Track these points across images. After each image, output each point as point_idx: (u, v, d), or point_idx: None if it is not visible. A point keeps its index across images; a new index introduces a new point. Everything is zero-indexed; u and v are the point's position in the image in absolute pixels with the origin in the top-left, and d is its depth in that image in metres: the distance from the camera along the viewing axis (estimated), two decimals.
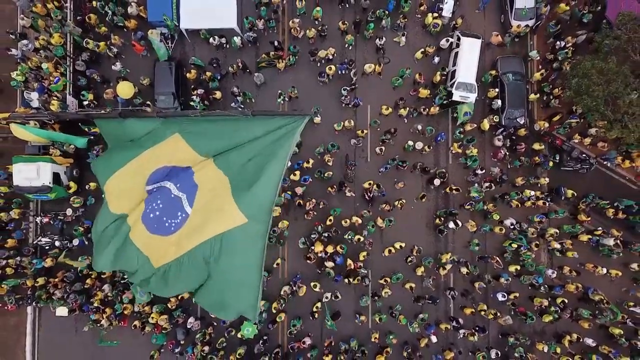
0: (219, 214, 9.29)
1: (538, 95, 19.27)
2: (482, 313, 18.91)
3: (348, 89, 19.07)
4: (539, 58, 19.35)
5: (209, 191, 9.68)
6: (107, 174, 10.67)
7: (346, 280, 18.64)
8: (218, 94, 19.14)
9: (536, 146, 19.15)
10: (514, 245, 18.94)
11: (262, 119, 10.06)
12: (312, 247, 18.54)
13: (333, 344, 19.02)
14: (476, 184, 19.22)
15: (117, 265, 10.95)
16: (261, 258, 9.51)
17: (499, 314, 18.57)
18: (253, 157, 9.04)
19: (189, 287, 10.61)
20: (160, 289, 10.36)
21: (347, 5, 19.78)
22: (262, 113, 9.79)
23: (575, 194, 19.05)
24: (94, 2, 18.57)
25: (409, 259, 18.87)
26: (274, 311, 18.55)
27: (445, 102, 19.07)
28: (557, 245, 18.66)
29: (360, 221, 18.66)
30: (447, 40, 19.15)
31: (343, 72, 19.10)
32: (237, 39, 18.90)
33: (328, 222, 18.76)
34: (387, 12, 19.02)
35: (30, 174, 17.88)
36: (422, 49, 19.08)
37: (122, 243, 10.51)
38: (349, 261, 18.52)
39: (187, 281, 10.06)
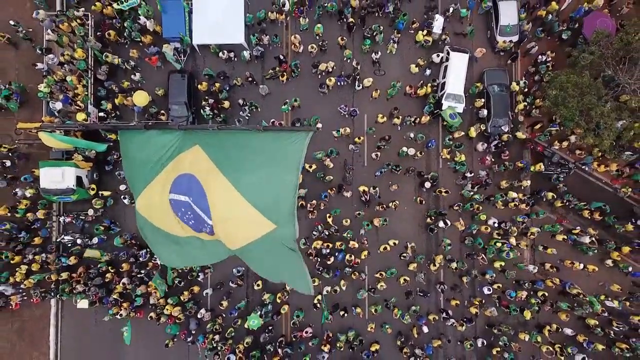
0: (248, 225, 10.50)
1: (523, 105, 20.88)
2: (471, 309, 20.60)
3: (357, 82, 20.82)
4: (525, 88, 20.95)
5: (222, 205, 10.46)
6: (140, 187, 11.38)
7: (342, 282, 20.35)
8: (226, 104, 20.82)
9: (519, 134, 20.78)
10: (498, 245, 20.62)
11: (272, 133, 11.57)
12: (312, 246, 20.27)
13: (332, 335, 20.70)
14: (466, 187, 20.88)
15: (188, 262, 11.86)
16: (297, 252, 10.23)
17: (484, 302, 20.40)
18: (265, 173, 10.44)
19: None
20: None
21: (346, 21, 21.40)
22: (272, 128, 11.37)
23: (555, 196, 20.74)
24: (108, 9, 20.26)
25: (403, 255, 20.55)
26: (278, 301, 20.27)
27: (434, 110, 20.80)
28: (513, 242, 20.29)
29: (357, 245, 20.40)
30: (438, 55, 20.82)
31: (342, 83, 20.81)
32: (246, 53, 20.59)
33: (328, 222, 20.43)
34: (381, 27, 20.70)
35: (56, 178, 19.50)
36: (416, 64, 20.80)
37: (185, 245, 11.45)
38: (349, 256, 20.19)
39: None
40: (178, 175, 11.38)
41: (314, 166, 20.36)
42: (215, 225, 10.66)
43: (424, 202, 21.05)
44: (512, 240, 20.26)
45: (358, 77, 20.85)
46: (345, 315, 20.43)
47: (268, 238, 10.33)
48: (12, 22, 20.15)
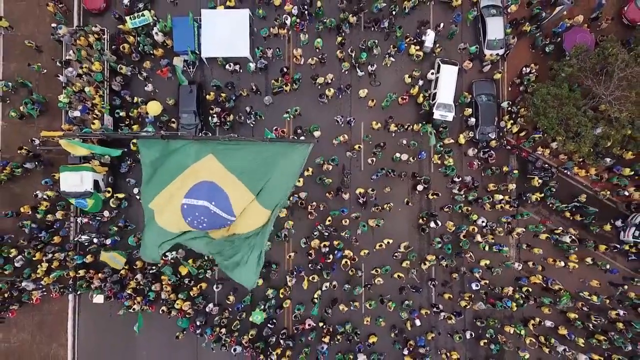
0: (253, 218, 12.15)
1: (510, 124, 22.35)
2: (461, 302, 22.11)
3: (358, 69, 22.44)
4: (509, 108, 22.52)
5: (239, 203, 12.10)
6: (153, 194, 11.97)
7: (343, 262, 21.81)
8: (231, 117, 22.31)
9: (514, 128, 22.20)
10: (487, 249, 22.16)
11: (277, 144, 13.16)
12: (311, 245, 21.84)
13: (332, 328, 22.22)
14: (454, 190, 22.42)
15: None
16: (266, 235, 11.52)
17: (472, 296, 22.05)
18: (271, 176, 11.90)
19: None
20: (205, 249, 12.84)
21: (343, 34, 22.89)
22: (276, 140, 12.91)
23: (539, 198, 22.28)
24: (131, 38, 22.11)
25: (396, 254, 22.08)
26: (281, 296, 21.84)
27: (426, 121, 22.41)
28: (479, 239, 21.90)
29: (351, 253, 21.95)
30: (433, 73, 22.41)
31: (340, 96, 22.40)
32: (251, 65, 22.16)
33: (327, 222, 22.00)
34: (377, 41, 22.25)
35: (75, 181, 21.02)
36: (409, 74, 22.33)
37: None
38: (345, 261, 21.79)
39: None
40: (196, 182, 12.86)
41: (312, 170, 21.89)
42: (236, 220, 11.93)
43: (410, 203, 22.57)
44: (478, 237, 21.88)
45: (358, 65, 22.37)
46: (324, 324, 22.04)
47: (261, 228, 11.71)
48: (53, 25, 21.70)
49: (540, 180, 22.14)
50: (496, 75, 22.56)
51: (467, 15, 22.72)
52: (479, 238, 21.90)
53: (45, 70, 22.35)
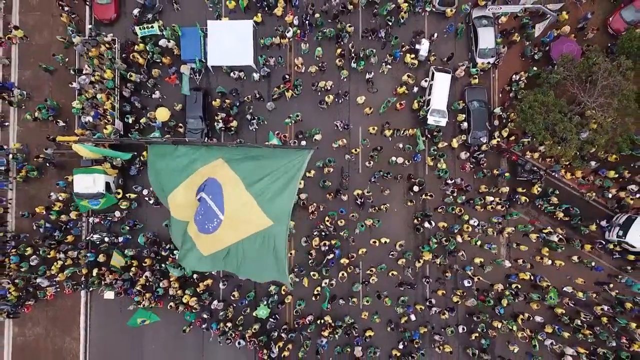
0: (248, 221, 12.66)
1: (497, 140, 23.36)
2: (454, 298, 23.30)
3: (354, 62, 23.57)
4: (501, 114, 23.63)
5: (235, 202, 12.52)
6: (167, 192, 13.47)
7: (341, 274, 22.99)
8: (234, 123, 23.43)
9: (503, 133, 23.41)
10: (479, 243, 23.33)
11: (281, 150, 14.32)
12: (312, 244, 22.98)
13: (333, 324, 23.39)
14: (448, 191, 23.58)
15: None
16: (285, 247, 12.51)
17: (465, 293, 23.17)
18: (273, 180, 13.02)
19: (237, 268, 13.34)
20: (212, 267, 13.90)
21: (342, 43, 24.03)
22: (280, 147, 14.04)
23: (528, 200, 23.44)
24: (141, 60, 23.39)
25: (392, 253, 23.24)
26: (283, 293, 23.02)
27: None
28: (459, 239, 23.09)
29: (348, 261, 23.13)
30: (426, 81, 23.60)
31: (339, 101, 23.59)
32: (255, 75, 23.33)
33: (326, 222, 23.15)
34: (374, 51, 23.41)
35: (88, 183, 22.15)
36: (408, 74, 23.42)
37: (190, 242, 13.56)
38: (344, 259, 23.06)
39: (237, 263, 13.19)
40: (205, 179, 14.07)
41: (313, 172, 23.04)
42: (225, 220, 12.94)
43: (410, 203, 23.73)
44: (458, 238, 23.08)
45: (354, 58, 23.53)
46: (345, 276, 23.06)
47: (263, 233, 12.59)
48: (89, 26, 23.21)
49: (540, 189, 23.23)
50: (474, 81, 23.74)
51: (460, 7, 23.71)
52: (459, 238, 23.07)
53: (68, 59, 23.61)
